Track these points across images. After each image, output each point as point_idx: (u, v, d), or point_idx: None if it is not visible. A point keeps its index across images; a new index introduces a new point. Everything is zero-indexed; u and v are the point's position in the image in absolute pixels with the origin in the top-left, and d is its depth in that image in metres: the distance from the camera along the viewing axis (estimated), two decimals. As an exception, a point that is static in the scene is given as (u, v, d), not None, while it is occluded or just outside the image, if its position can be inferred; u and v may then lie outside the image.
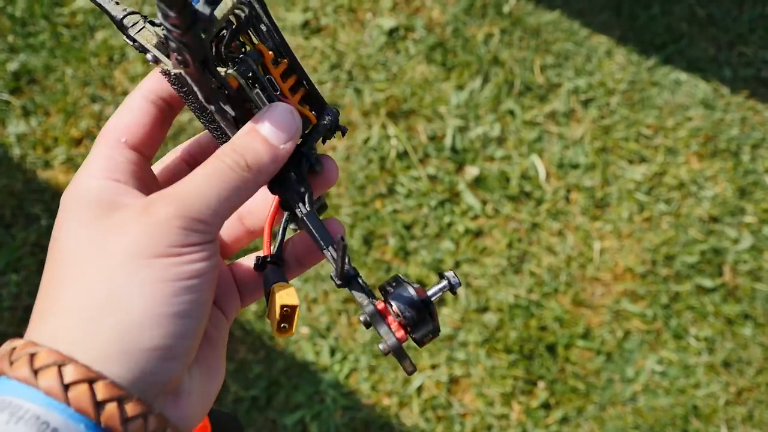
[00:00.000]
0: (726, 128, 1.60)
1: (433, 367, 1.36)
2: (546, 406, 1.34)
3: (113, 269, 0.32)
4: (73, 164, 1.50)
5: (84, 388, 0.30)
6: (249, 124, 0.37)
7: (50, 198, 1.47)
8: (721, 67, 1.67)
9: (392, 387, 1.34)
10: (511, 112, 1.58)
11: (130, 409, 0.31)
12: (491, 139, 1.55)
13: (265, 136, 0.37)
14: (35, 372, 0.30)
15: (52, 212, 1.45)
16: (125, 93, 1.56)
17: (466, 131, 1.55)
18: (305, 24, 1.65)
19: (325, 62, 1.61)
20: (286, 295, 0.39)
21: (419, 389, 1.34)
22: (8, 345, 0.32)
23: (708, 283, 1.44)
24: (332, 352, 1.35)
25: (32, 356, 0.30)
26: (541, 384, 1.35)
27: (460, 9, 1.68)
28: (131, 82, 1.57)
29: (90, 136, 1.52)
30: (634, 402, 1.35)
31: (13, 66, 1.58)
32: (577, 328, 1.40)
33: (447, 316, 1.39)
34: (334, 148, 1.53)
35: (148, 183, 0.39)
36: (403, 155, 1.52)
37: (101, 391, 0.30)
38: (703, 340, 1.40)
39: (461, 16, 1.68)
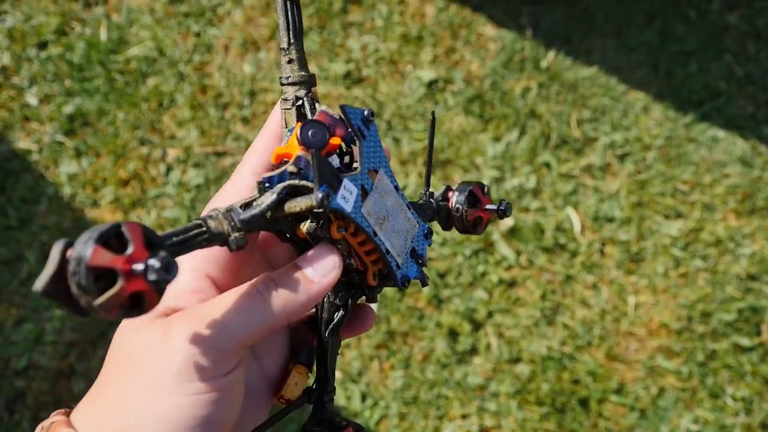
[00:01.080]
0: (764, 186, 1.59)
1: (464, 416, 1.35)
2: (577, 461, 1.33)
3: (139, 392, 0.35)
4: (119, 204, 1.55)
5: None
6: (292, 263, 0.39)
7: (96, 236, 1.52)
8: (759, 125, 1.68)
9: (422, 435, 1.34)
10: (547, 165, 1.60)
11: None
12: (527, 190, 1.56)
13: (304, 271, 0.38)
14: None
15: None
16: (173, 137, 1.62)
17: (502, 182, 1.57)
18: (347, 74, 1.71)
19: (366, 112, 1.65)
20: (294, 385, 0.44)
21: (449, 439, 1.34)
22: (53, 418, 0.36)
23: (745, 342, 1.42)
24: (363, 398, 1.36)
25: None
26: (573, 438, 1.34)
27: (499, 63, 1.72)
28: (179, 127, 1.63)
29: (137, 177, 1.58)
30: (668, 461, 1.33)
31: (68, 109, 1.66)
32: (610, 382, 1.38)
33: (479, 366, 1.39)
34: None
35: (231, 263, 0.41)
36: (439, 204, 1.54)
37: None
38: (740, 400, 1.37)
39: (499, 69, 1.72)
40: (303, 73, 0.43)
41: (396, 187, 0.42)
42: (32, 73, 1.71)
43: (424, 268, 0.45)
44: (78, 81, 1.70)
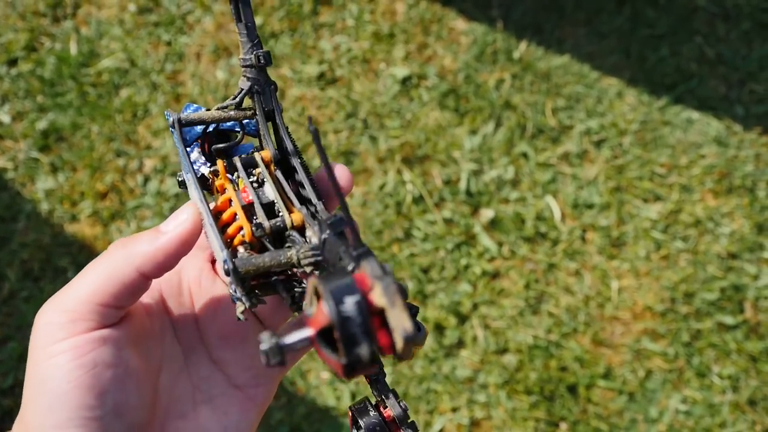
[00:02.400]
0: (740, 165, 1.60)
1: (454, 410, 1.36)
2: (569, 448, 1.33)
3: (28, 370, 0.39)
4: (98, 217, 1.54)
5: None
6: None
7: (77, 251, 1.51)
8: (732, 105, 1.69)
9: (413, 431, 1.34)
10: (525, 155, 1.60)
11: None
12: (505, 181, 1.57)
13: (158, 226, 0.40)
14: None
15: (79, 265, 1.49)
16: (149, 147, 1.61)
17: (480, 174, 1.57)
18: (321, 75, 1.70)
19: (341, 111, 1.65)
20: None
21: (440, 433, 1.34)
22: None
23: (729, 320, 1.43)
24: (353, 397, 1.36)
25: None
26: (564, 425, 1.34)
27: (471, 56, 1.73)
28: (154, 137, 1.63)
29: (115, 189, 1.57)
30: (658, 442, 1.34)
31: (42, 125, 1.64)
32: (597, 368, 1.39)
33: (466, 358, 1.39)
34: (352, 195, 1.56)
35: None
36: (418, 200, 1.54)
37: None
38: (726, 378, 1.38)
39: (472, 63, 1.72)
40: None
41: None
42: (3, 91, 1.70)
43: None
44: (50, 96, 1.69)
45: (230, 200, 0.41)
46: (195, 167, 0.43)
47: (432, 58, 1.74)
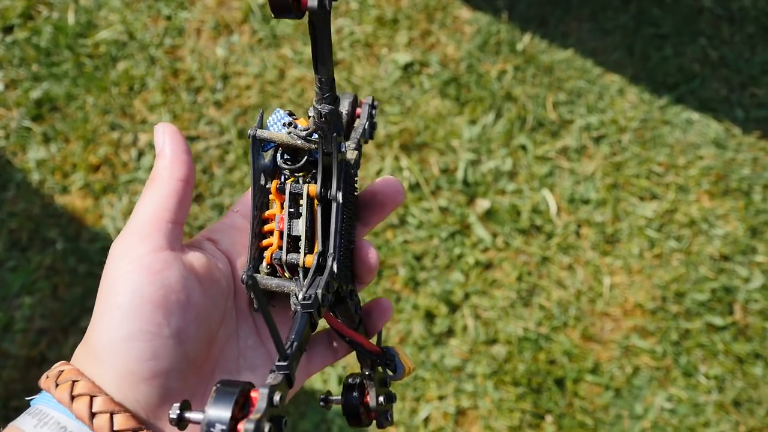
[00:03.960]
0: (737, 168, 1.60)
1: (441, 398, 1.35)
2: (554, 441, 1.33)
3: (101, 292, 0.43)
4: (90, 190, 1.53)
5: (106, 417, 0.38)
6: None
7: (66, 222, 1.49)
8: (733, 107, 1.69)
9: (399, 417, 1.33)
10: (523, 147, 1.59)
11: None
12: (503, 173, 1.56)
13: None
14: (72, 398, 0.38)
15: (68, 237, 1.48)
16: (144, 121, 1.60)
17: (478, 165, 1.57)
18: (322, 58, 1.69)
19: (341, 95, 1.64)
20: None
21: (426, 420, 1.33)
22: (58, 367, 0.41)
23: (718, 321, 1.43)
24: (340, 381, 1.35)
25: (73, 383, 0.39)
26: (549, 418, 1.34)
27: (475, 46, 1.72)
28: (150, 111, 1.61)
29: (108, 162, 1.55)
30: (643, 439, 1.34)
31: (36, 94, 1.62)
32: (586, 362, 1.39)
33: (455, 347, 1.39)
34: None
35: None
36: (415, 187, 1.53)
37: (120, 422, 0.38)
38: (713, 379, 1.39)
39: (475, 52, 1.71)
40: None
41: None
42: (-1, 57, 1.67)
43: None
44: (45, 66, 1.66)
45: (275, 216, 0.47)
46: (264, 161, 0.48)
47: (435, 46, 1.72)
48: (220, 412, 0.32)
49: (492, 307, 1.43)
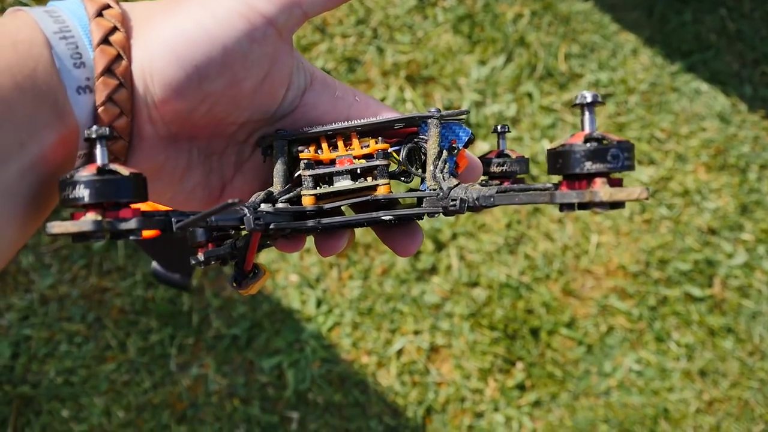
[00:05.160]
0: (738, 144, 1.60)
1: (416, 332, 1.36)
2: (521, 387, 1.35)
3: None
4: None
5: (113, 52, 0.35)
6: None
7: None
8: (742, 83, 1.67)
9: (373, 346, 1.34)
10: (530, 95, 1.57)
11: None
12: (506, 118, 1.54)
13: None
14: (98, 12, 0.35)
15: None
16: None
17: (482, 107, 1.54)
18: (337, -25, 1.63)
19: (352, 16, 1.59)
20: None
21: (399, 352, 1.34)
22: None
23: (697, 292, 1.45)
24: (318, 304, 1.35)
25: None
26: (520, 365, 1.36)
27: (494, -16, 1.67)
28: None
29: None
30: (607, 396, 1.37)
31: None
32: (562, 316, 1.40)
33: (436, 285, 1.39)
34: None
35: None
36: (416, 121, 1.51)
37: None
38: (683, 347, 1.41)
39: (494, -9, 1.66)
40: None
41: None
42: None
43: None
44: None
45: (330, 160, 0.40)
46: None
47: (454, -21, 1.67)
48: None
49: (478, 250, 1.43)
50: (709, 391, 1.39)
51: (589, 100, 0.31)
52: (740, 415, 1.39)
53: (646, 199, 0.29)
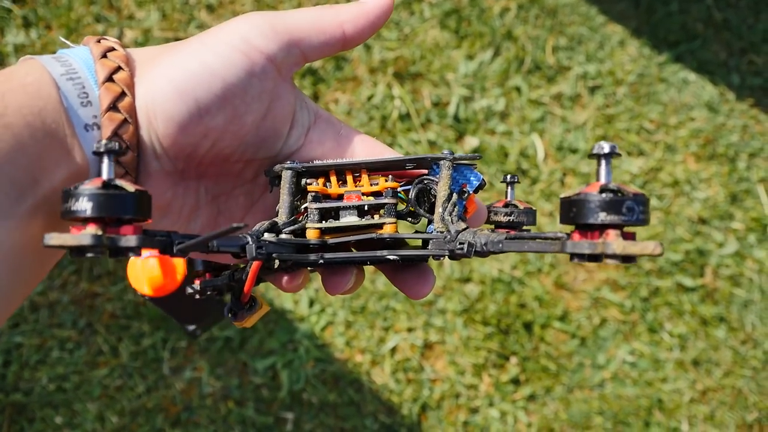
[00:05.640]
0: (727, 133, 1.60)
1: (410, 330, 1.36)
2: (515, 381, 1.35)
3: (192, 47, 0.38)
4: (69, 82, 1.46)
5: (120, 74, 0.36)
6: None
7: (43, 113, 1.43)
8: (730, 72, 1.67)
9: (366, 345, 1.34)
10: (518, 89, 1.57)
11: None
12: (495, 112, 1.54)
13: None
14: (102, 54, 0.36)
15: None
16: (131, 17, 1.52)
17: (470, 101, 1.54)
18: (322, -28, 1.62)
19: (338, 13, 1.58)
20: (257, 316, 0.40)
21: (393, 350, 1.34)
22: (110, 43, 0.38)
23: (689, 282, 1.45)
24: (311, 304, 1.35)
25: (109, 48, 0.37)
26: (514, 360, 1.36)
27: (480, -22, 1.66)
28: (138, 7, 1.53)
29: (90, 56, 1.49)
30: (601, 388, 1.37)
31: (18, -26, 1.54)
32: (555, 309, 1.40)
33: (429, 282, 1.39)
34: (337, 101, 1.51)
35: None
36: (405, 117, 1.50)
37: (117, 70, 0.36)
38: (676, 337, 1.42)
39: (480, -15, 1.66)
40: None
41: None
42: (-20, -70, 1.57)
43: None
44: (31, -55, 1.57)
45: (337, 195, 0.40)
46: None
47: (439, -26, 1.67)
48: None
49: (469, 245, 1.43)
50: (703, 381, 1.39)
51: (606, 150, 0.31)
52: (734, 404, 1.40)
53: (660, 255, 0.29)
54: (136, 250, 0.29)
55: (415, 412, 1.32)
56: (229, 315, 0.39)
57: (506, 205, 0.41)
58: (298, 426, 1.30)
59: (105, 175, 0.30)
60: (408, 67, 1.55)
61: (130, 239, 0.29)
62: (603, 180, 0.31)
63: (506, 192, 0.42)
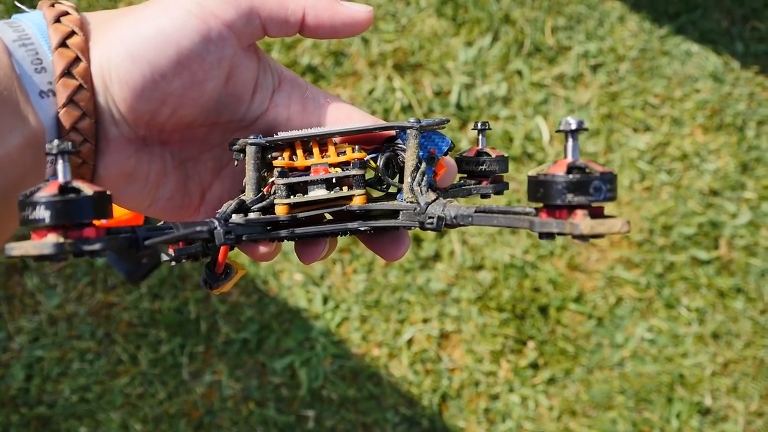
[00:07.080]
0: (733, 102, 1.58)
1: (425, 321, 1.36)
2: (534, 365, 1.35)
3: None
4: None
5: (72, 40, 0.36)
6: None
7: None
8: (733, 40, 1.65)
9: (383, 338, 1.34)
10: (519, 73, 1.56)
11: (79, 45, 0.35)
12: (497, 98, 1.53)
13: None
14: (56, 18, 0.36)
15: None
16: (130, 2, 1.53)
17: (472, 88, 1.53)
18: (315, -31, 1.62)
19: (334, 9, 1.58)
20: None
21: (409, 342, 1.34)
22: (63, 6, 0.37)
23: (703, 255, 1.44)
24: (325, 300, 1.35)
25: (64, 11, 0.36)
26: (531, 344, 1.36)
27: (474, -36, 1.65)
28: None
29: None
30: (621, 367, 1.36)
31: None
32: (570, 291, 1.40)
33: (441, 272, 1.39)
34: (338, 96, 1.51)
35: None
36: (407, 108, 1.50)
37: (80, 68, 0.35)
38: (694, 311, 1.41)
39: (475, -29, 1.65)
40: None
41: None
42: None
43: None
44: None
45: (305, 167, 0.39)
46: None
47: (433, -38, 1.66)
48: None
49: (479, 233, 1.42)
50: (723, 353, 1.38)
51: (573, 126, 0.31)
52: (756, 374, 1.38)
53: (627, 232, 0.29)
54: (101, 253, 0.29)
55: (435, 403, 1.33)
56: (205, 286, 0.39)
57: (478, 153, 0.41)
58: (319, 423, 1.31)
59: (61, 178, 0.30)
60: (407, 58, 1.55)
61: (94, 244, 0.29)
62: (570, 157, 0.31)
63: (478, 140, 0.42)
